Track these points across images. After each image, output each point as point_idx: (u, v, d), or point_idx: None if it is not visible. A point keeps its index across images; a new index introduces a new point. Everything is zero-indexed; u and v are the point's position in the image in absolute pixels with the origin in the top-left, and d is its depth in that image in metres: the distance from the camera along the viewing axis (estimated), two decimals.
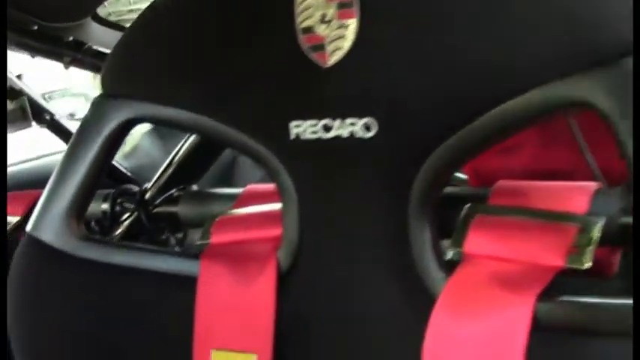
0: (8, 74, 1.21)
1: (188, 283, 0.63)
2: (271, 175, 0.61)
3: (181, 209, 0.77)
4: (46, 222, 0.65)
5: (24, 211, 0.96)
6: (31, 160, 1.46)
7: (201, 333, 0.62)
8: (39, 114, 1.25)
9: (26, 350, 0.66)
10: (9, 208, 0.96)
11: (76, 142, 0.65)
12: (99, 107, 0.65)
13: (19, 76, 1.24)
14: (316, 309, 0.59)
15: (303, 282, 0.60)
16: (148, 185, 0.85)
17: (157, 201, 0.79)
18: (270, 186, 0.68)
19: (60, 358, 0.65)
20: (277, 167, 0.59)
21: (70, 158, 0.65)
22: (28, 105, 1.21)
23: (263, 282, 0.61)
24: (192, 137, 0.87)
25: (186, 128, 0.64)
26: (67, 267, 0.65)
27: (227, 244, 0.64)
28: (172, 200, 0.78)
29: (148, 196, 0.81)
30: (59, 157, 1.51)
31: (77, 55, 1.11)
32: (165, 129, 1.68)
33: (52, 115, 1.27)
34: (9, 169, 1.41)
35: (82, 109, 1.73)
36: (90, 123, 0.65)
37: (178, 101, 0.62)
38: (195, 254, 0.65)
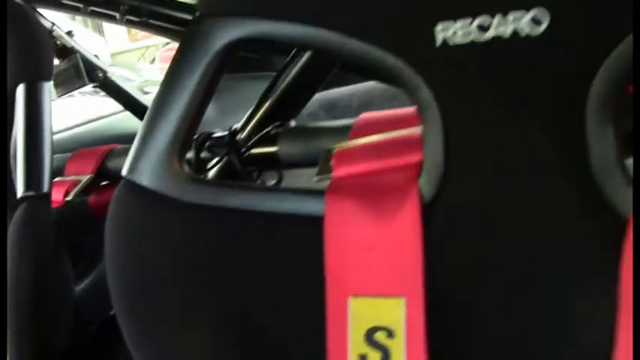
0: (60, 32, 1.12)
1: (312, 224, 0.55)
2: (409, 93, 0.51)
3: (282, 148, 0.68)
4: (144, 163, 0.57)
5: (95, 167, 0.88)
6: (90, 121, 1.38)
7: (334, 279, 0.53)
8: (91, 72, 1.17)
9: (126, 299, 0.58)
10: (76, 166, 0.88)
11: (174, 69, 0.56)
12: (199, 29, 0.56)
13: (69, 33, 1.16)
14: (468, 242, 0.51)
15: (450, 212, 0.52)
16: (237, 126, 0.76)
17: (251, 142, 0.69)
18: (390, 112, 0.61)
19: (165, 309, 0.57)
20: (416, 82, 0.51)
21: (168, 89, 0.56)
22: (81, 63, 1.13)
23: (405, 215, 0.52)
24: (287, 71, 0.77)
25: (301, 45, 0.54)
26: (170, 212, 0.56)
27: (354, 177, 0.55)
28: (270, 139, 0.69)
29: (239, 137, 0.71)
30: (121, 115, 1.44)
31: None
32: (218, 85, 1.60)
33: (104, 72, 1.18)
34: (71, 132, 1.34)
35: None
36: (190, 47, 0.56)
37: (292, 14, 0.52)
38: (316, 191, 0.56)
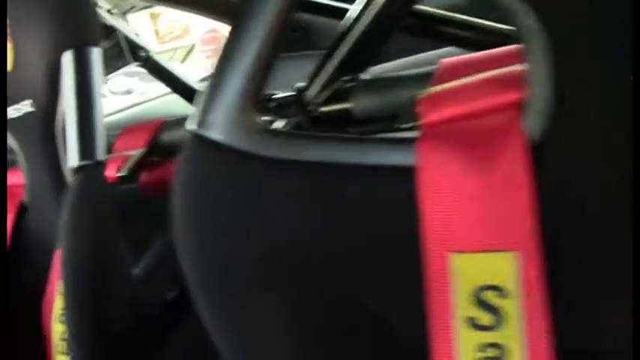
0: (101, 12, 1.07)
1: (403, 176, 0.49)
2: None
3: (357, 103, 0.62)
4: (215, 115, 0.51)
5: (147, 141, 0.82)
6: (133, 106, 1.34)
7: (433, 235, 0.47)
8: (134, 51, 1.12)
9: (199, 261, 0.53)
10: (126, 142, 0.83)
11: (244, 11, 0.50)
12: None
13: (109, 11, 1.11)
14: (582, 188, 0.45)
15: (561, 154, 0.46)
16: (301, 85, 0.70)
17: (320, 99, 0.63)
18: (476, 55, 0.56)
19: (244, 274, 0.51)
20: (514, 7, 0.45)
21: (239, 32, 0.51)
22: (124, 41, 1.08)
23: (510, 159, 0.46)
24: (356, 21, 0.71)
25: None
26: (246, 168, 0.50)
27: (447, 123, 0.49)
28: (341, 95, 0.63)
29: (307, 96, 0.65)
30: (166, 99, 1.40)
31: None
32: None
33: (147, 51, 1.13)
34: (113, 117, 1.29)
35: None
36: None
37: None
38: (402, 140, 0.50)
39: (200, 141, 0.52)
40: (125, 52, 1.10)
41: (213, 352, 0.90)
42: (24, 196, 0.95)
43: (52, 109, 0.82)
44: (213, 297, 0.53)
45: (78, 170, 0.76)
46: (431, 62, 0.83)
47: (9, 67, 0.91)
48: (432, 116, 0.51)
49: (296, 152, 0.51)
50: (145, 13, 2.68)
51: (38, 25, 0.81)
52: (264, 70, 0.51)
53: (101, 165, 0.76)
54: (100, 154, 0.76)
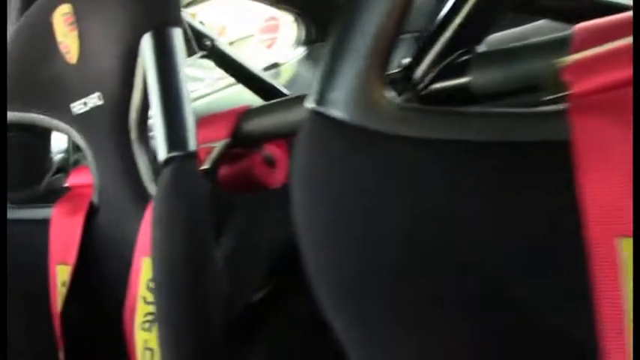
0: None
1: (557, 151, 0.42)
2: None
3: (476, 77, 0.54)
4: (337, 91, 0.43)
5: (230, 130, 0.75)
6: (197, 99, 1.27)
7: (597, 217, 0.40)
8: (199, 40, 1.05)
9: (330, 259, 0.45)
10: (206, 133, 0.75)
11: None
12: None
13: None
14: None
15: None
16: (407, 61, 0.62)
17: (431, 75, 0.55)
18: (609, 20, 0.49)
19: (387, 269, 0.44)
20: None
21: (360, 1, 0.43)
22: (188, 30, 1.01)
23: None
24: None
25: None
26: (387, 150, 0.43)
27: (606, 90, 0.41)
28: (455, 70, 0.55)
29: (415, 73, 0.57)
30: (231, 91, 1.33)
31: None
32: (320, 52, 1.48)
33: (212, 40, 1.06)
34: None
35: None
36: None
37: None
38: (552, 113, 0.42)
39: (321, 120, 0.45)
40: (190, 41, 1.03)
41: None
42: (93, 197, 0.88)
43: (124, 100, 0.75)
44: (346, 303, 0.45)
45: (168, 162, 0.69)
46: (527, 37, 0.75)
47: (73, 59, 0.84)
48: (584, 85, 0.43)
49: (428, 129, 0.43)
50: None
51: (112, 9, 0.75)
52: (389, 42, 0.43)
53: (193, 156, 0.69)
54: (192, 143, 0.69)
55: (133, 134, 0.79)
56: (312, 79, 1.31)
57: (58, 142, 1.18)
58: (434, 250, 0.44)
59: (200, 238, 0.65)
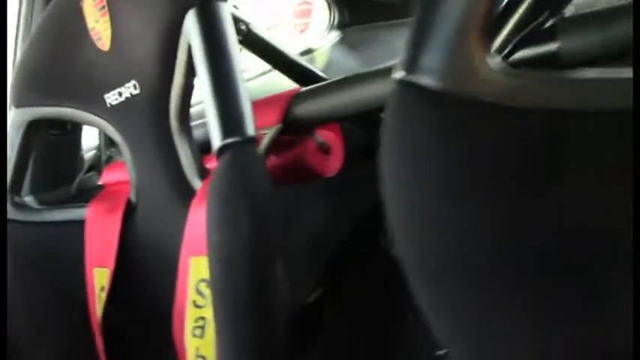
0: None
1: None
2: None
3: (565, 42, 0.46)
4: (430, 56, 0.36)
5: (280, 116, 0.68)
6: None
7: None
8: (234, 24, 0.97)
9: (422, 241, 0.38)
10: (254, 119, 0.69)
11: None
12: None
13: None
14: None
15: None
16: None
17: (513, 43, 0.48)
18: None
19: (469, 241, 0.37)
20: None
21: None
22: None
23: None
24: None
25: None
26: (480, 121, 0.36)
27: None
28: (541, 37, 0.48)
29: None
30: (268, 77, 1.25)
31: None
32: (355, 36, 1.40)
33: (247, 24, 0.98)
34: None
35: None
36: None
37: None
38: None
39: (413, 90, 0.38)
40: None
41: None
42: (130, 194, 0.81)
43: (163, 87, 0.69)
44: (442, 286, 0.39)
45: (223, 150, 0.62)
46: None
47: (105, 46, 0.78)
48: None
49: (548, 99, 0.36)
50: None
51: None
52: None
53: (253, 141, 0.62)
54: (250, 127, 0.63)
55: (174, 124, 0.72)
56: (346, 64, 1.24)
57: (88, 139, 1.12)
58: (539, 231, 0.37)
59: (266, 237, 0.58)
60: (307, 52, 1.41)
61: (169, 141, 0.73)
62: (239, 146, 0.61)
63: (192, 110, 0.79)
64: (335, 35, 1.41)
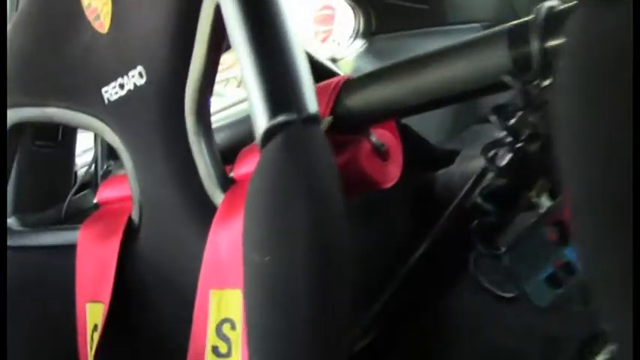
0: None
1: None
2: None
3: None
4: None
5: (328, 106, 0.52)
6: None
7: None
8: None
9: None
10: None
11: None
12: None
13: None
14: None
15: None
16: None
17: None
18: None
19: None
20: None
21: None
22: None
23: None
24: None
25: None
26: None
27: None
28: None
29: None
30: None
31: None
32: (382, 46, 1.25)
33: None
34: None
35: None
36: None
37: None
38: None
39: None
40: None
41: None
42: (132, 213, 0.65)
43: (178, 73, 0.53)
44: None
45: (274, 131, 0.45)
46: None
47: (104, 27, 0.62)
48: None
49: None
50: None
51: None
52: None
53: (317, 121, 0.46)
54: (312, 102, 0.46)
55: (190, 121, 0.56)
56: None
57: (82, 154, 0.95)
58: None
59: (340, 259, 0.41)
60: (330, 62, 1.25)
61: (183, 143, 0.57)
62: (299, 126, 0.45)
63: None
64: (360, 44, 1.25)
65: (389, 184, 0.57)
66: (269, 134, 0.45)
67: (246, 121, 0.67)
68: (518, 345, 0.60)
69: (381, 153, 0.57)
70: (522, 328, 0.57)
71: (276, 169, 0.44)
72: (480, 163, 0.89)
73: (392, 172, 0.58)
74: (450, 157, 0.92)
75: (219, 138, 0.63)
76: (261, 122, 0.46)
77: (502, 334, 0.59)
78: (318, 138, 0.46)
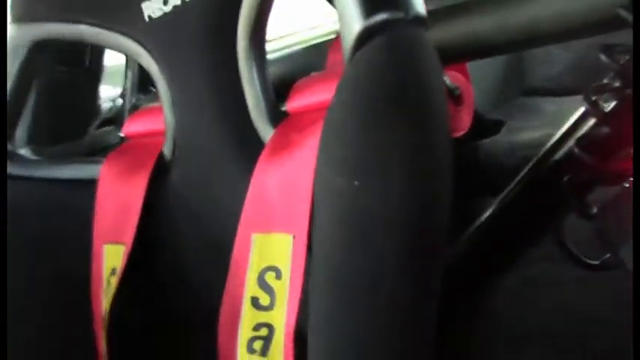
0: None
1: None
2: None
3: None
4: None
5: None
6: None
7: None
8: None
9: None
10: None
11: None
12: None
13: None
14: None
15: None
16: None
17: None
18: None
19: None
20: None
21: None
22: None
23: None
24: None
25: None
26: None
27: None
28: None
29: None
30: None
31: None
32: None
33: None
34: None
35: None
36: None
37: None
38: None
39: None
40: None
41: None
42: (164, 148, 0.58)
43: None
44: None
45: (370, 33, 0.38)
46: None
47: None
48: None
49: None
50: None
51: None
52: None
53: (424, 23, 0.39)
54: (419, 1, 0.39)
55: (243, 45, 0.49)
56: None
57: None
58: None
59: (444, 188, 0.34)
60: None
61: (232, 69, 0.50)
62: (405, 26, 0.37)
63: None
64: None
65: (461, 133, 0.50)
66: (365, 35, 0.38)
67: (299, 55, 0.59)
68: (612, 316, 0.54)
69: (454, 97, 0.49)
70: (614, 299, 0.51)
71: (375, 75, 0.37)
72: (528, 135, 0.82)
73: (465, 120, 0.51)
74: (496, 127, 0.86)
75: (274, 71, 0.56)
76: (356, 21, 0.39)
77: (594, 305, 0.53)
78: (427, 44, 0.38)
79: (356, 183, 0.35)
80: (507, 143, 0.84)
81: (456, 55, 0.50)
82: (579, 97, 0.52)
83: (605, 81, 0.42)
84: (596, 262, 0.44)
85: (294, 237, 0.45)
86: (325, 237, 0.39)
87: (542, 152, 0.59)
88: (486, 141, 0.82)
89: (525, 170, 0.60)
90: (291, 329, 0.44)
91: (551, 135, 0.59)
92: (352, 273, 0.36)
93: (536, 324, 0.62)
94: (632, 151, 0.42)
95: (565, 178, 0.43)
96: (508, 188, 0.61)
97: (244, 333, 0.47)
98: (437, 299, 0.37)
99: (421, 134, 0.36)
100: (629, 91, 0.39)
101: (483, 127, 0.79)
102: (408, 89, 0.36)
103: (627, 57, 0.40)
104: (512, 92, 1.09)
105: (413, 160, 0.35)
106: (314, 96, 0.48)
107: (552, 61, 0.93)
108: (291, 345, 0.44)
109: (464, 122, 0.52)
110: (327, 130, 0.40)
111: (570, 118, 0.55)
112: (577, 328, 0.57)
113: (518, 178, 0.61)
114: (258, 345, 0.46)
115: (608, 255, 0.39)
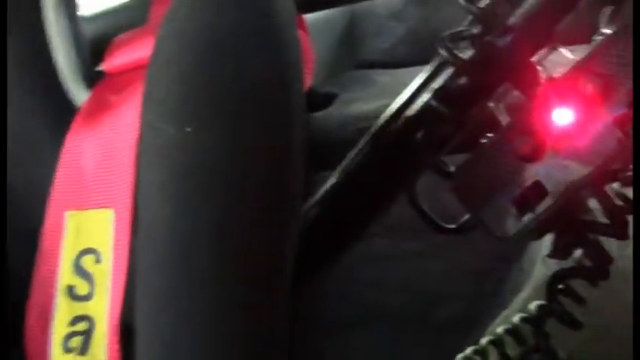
0: None
1: None
2: None
3: None
4: None
5: None
6: None
7: None
8: None
9: None
10: None
11: None
12: None
13: None
14: None
15: None
16: None
17: None
18: None
19: None
20: None
21: None
22: None
23: None
24: None
25: None
26: None
27: None
28: None
29: None
30: None
31: None
32: None
33: None
34: None
35: None
36: None
37: None
38: None
39: None
40: None
41: None
42: None
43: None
44: None
45: None
46: None
47: None
48: None
49: None
50: None
51: None
52: None
53: None
54: None
55: None
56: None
57: None
58: None
59: (299, 127, 0.29)
60: None
61: (37, 21, 0.42)
62: None
63: None
64: None
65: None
66: None
67: (121, 10, 0.53)
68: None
69: None
70: (453, 273, 0.49)
71: (199, 18, 0.31)
72: (362, 106, 0.80)
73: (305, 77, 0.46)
74: (327, 99, 0.83)
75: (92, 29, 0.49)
76: None
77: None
78: None
79: (187, 129, 0.29)
80: (340, 116, 0.80)
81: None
82: (414, 69, 0.50)
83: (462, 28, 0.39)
84: (454, 226, 0.41)
85: (115, 211, 0.38)
86: (154, 203, 0.32)
87: (394, 109, 0.56)
88: (318, 114, 0.78)
89: (373, 130, 0.57)
90: (116, 321, 0.38)
91: (387, 106, 0.56)
92: (188, 237, 0.30)
93: (376, 301, 0.59)
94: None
95: (419, 135, 0.39)
96: (351, 153, 0.58)
97: (59, 329, 0.40)
98: (289, 271, 0.32)
99: (277, 69, 0.30)
100: (489, 38, 0.36)
101: (314, 100, 0.75)
102: (256, 16, 0.31)
103: (488, 1, 0.37)
104: (345, 66, 1.06)
105: (267, 100, 0.29)
106: (134, 52, 0.41)
107: (385, 33, 0.91)
108: (115, 339, 0.37)
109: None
110: (151, 70, 0.34)
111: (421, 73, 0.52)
112: (417, 302, 0.54)
113: (365, 140, 0.57)
114: (76, 342, 0.39)
115: (467, 217, 0.36)
